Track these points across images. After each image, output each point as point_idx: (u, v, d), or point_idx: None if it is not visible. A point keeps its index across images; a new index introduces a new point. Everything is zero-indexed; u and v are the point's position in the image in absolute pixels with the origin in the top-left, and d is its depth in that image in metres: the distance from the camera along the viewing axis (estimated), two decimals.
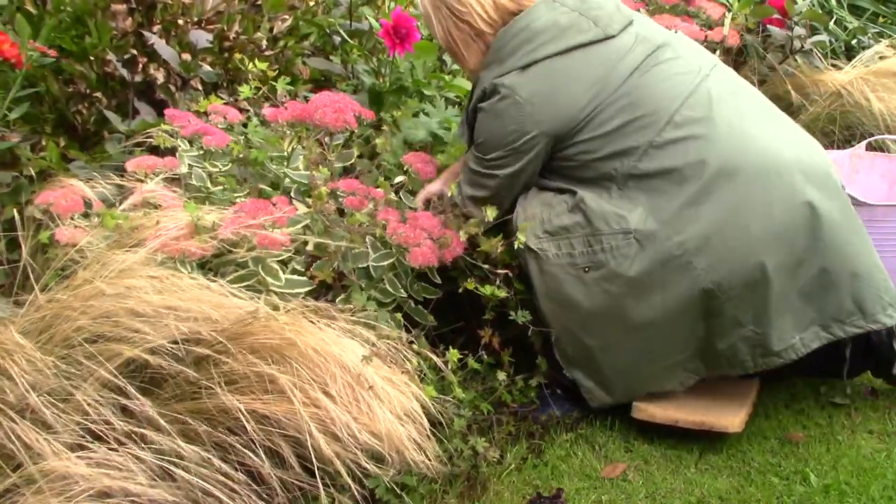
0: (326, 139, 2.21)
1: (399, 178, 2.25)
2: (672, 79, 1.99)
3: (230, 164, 2.14)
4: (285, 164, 2.17)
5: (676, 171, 1.93)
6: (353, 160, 2.26)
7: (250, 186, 2.12)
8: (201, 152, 2.12)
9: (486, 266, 2.03)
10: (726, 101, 2.00)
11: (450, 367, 1.90)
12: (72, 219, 1.90)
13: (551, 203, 2.02)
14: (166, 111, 2.19)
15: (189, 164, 2.10)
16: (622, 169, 1.95)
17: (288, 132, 2.19)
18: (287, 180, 2.13)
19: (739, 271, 1.90)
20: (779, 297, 1.93)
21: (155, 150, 2.16)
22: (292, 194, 2.11)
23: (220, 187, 2.08)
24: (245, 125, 2.26)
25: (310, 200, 2.03)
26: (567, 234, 1.97)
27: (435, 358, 1.90)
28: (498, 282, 1.99)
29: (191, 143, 2.15)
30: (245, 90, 2.31)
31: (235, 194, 2.06)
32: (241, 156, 2.14)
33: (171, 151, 2.13)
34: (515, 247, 1.99)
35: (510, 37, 1.99)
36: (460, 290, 2.05)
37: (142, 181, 2.00)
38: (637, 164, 1.94)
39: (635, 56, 1.99)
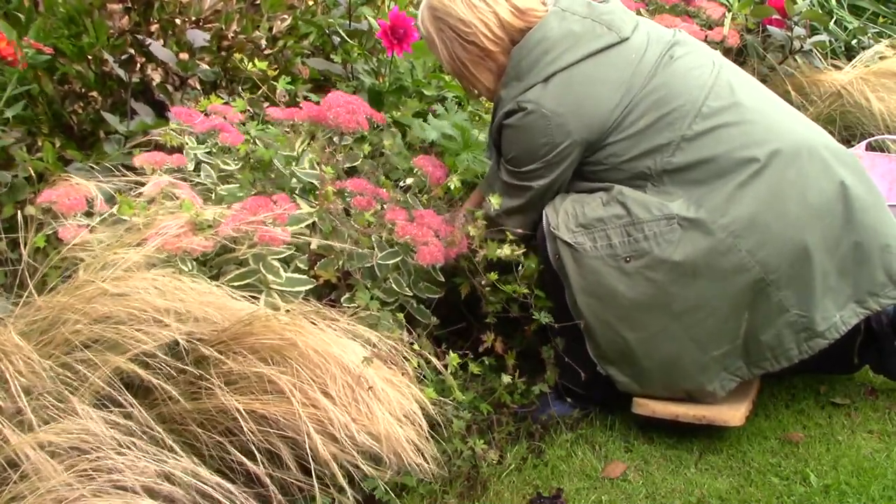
0: (335, 139, 2.21)
1: (409, 181, 2.24)
2: (692, 72, 2.00)
3: (240, 163, 2.14)
4: (294, 164, 2.17)
5: (712, 161, 1.94)
6: (359, 160, 2.26)
7: (261, 185, 2.12)
8: (215, 149, 2.12)
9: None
10: (745, 89, 2.03)
11: (449, 370, 1.89)
12: (75, 216, 1.90)
13: (583, 200, 2.01)
14: (172, 109, 2.19)
15: (198, 161, 2.11)
16: (656, 166, 1.96)
17: (302, 132, 2.20)
18: (294, 180, 2.14)
19: (783, 251, 1.91)
20: (821, 276, 1.94)
21: (157, 151, 2.16)
22: (297, 193, 2.12)
23: (232, 185, 2.08)
24: (244, 124, 2.26)
25: (314, 200, 2.03)
26: (603, 226, 1.95)
27: (435, 360, 1.90)
28: (518, 277, 1.99)
29: (200, 141, 2.16)
30: (239, 104, 2.29)
31: (241, 193, 2.06)
32: (248, 155, 2.14)
33: (176, 150, 2.13)
34: (550, 252, 1.98)
35: (526, 52, 1.98)
36: (463, 298, 2.06)
37: (145, 178, 2.00)
38: (671, 158, 1.95)
39: (652, 55, 2.00)
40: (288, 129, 2.21)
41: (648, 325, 1.96)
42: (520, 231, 2.04)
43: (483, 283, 2.03)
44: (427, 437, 1.74)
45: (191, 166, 2.11)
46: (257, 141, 2.20)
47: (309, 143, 2.21)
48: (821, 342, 1.98)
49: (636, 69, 1.97)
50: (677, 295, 1.93)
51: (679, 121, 1.95)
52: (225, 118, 2.18)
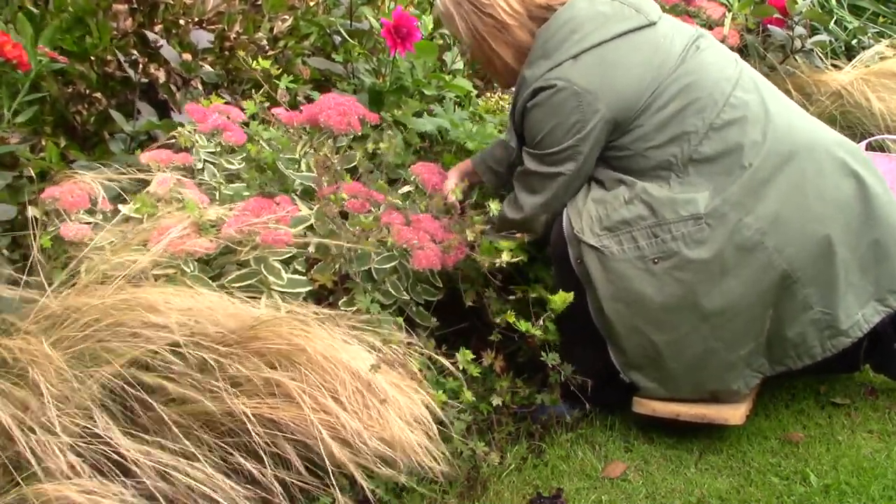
0: (330, 141, 2.21)
1: (405, 188, 2.24)
2: (718, 63, 2.02)
3: (244, 164, 2.15)
4: (297, 166, 2.17)
5: (738, 152, 1.94)
6: (356, 162, 2.26)
7: (263, 186, 2.12)
8: (218, 149, 2.13)
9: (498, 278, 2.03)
10: (765, 86, 2.06)
11: (461, 367, 1.88)
12: (77, 213, 1.89)
13: (604, 199, 1.99)
14: (187, 107, 2.19)
15: (203, 160, 2.11)
16: (683, 154, 1.95)
17: (304, 136, 2.20)
18: (296, 182, 2.14)
19: (807, 246, 1.92)
20: (843, 273, 1.95)
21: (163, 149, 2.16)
22: (297, 194, 2.12)
23: (238, 185, 2.08)
24: (247, 124, 2.26)
25: (313, 202, 2.03)
26: (628, 228, 1.94)
27: (444, 360, 1.89)
28: (538, 321, 1.97)
29: (207, 140, 2.16)
30: (250, 106, 2.29)
31: (247, 193, 2.06)
32: (254, 157, 2.14)
33: (184, 150, 2.13)
34: (572, 256, 1.97)
35: (554, 31, 1.98)
36: (467, 305, 2.07)
37: (151, 176, 2.00)
38: (698, 147, 1.95)
39: (680, 42, 2.01)
40: (300, 132, 2.21)
41: (677, 326, 1.95)
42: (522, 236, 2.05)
43: (487, 295, 2.04)
44: (438, 440, 1.74)
45: (199, 165, 2.11)
46: (262, 142, 2.21)
47: (311, 145, 2.21)
48: (844, 340, 1.98)
49: (665, 54, 1.98)
50: (706, 295, 1.92)
51: (708, 108, 1.96)
52: (228, 118, 2.19)
